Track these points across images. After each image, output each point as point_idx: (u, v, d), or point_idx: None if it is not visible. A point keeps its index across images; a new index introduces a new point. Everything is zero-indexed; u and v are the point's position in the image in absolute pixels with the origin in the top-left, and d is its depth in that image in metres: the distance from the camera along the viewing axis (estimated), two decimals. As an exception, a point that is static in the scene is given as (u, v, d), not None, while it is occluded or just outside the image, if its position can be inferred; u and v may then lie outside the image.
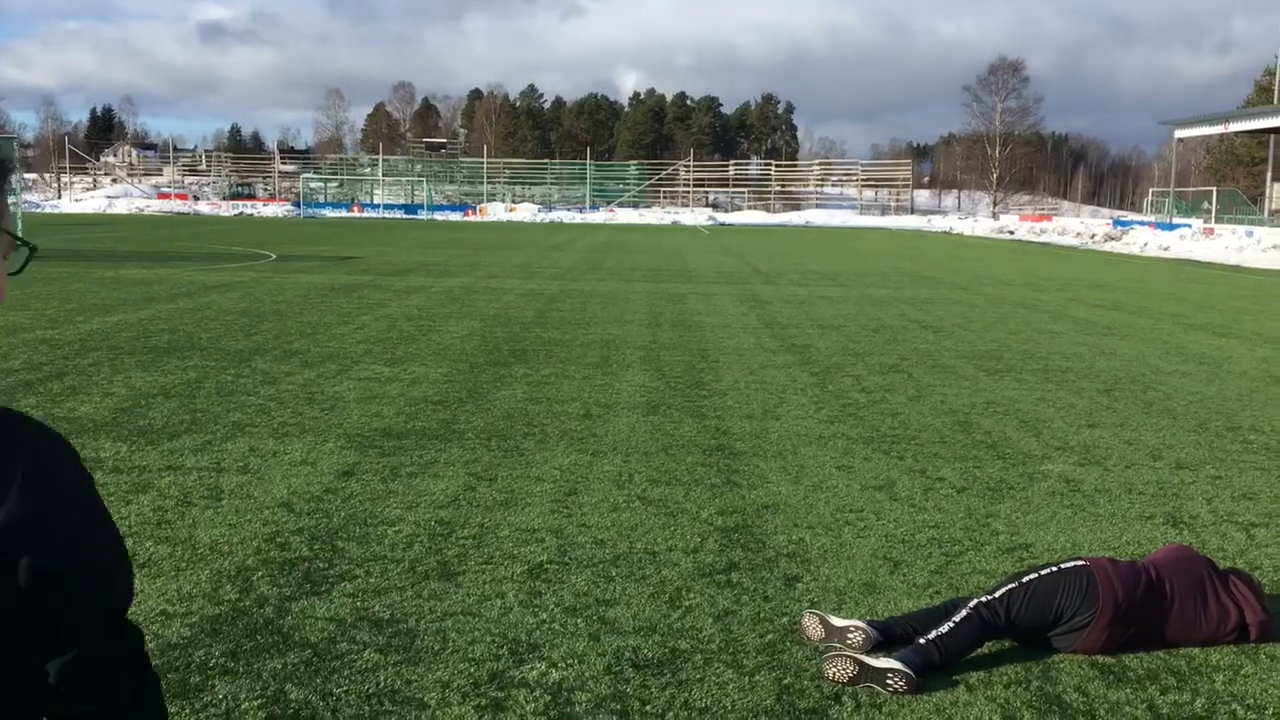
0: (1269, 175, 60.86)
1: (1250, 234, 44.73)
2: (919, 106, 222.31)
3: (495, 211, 75.49)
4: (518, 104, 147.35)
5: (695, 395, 9.49)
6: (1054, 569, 4.31)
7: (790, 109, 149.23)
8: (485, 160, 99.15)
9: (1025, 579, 4.31)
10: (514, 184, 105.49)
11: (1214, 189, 64.74)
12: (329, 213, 73.08)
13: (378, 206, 78.17)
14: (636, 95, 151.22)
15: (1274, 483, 6.91)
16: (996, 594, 4.28)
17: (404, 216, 73.83)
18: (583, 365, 11.03)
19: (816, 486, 6.57)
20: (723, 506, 6.11)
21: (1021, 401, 9.55)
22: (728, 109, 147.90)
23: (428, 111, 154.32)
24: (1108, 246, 49.70)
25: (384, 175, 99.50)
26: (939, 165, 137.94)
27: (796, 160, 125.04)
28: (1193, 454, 7.68)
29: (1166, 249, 45.49)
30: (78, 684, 1.38)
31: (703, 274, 25.25)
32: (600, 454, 7.26)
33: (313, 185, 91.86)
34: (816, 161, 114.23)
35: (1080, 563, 4.33)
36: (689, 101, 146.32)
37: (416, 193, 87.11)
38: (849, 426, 8.33)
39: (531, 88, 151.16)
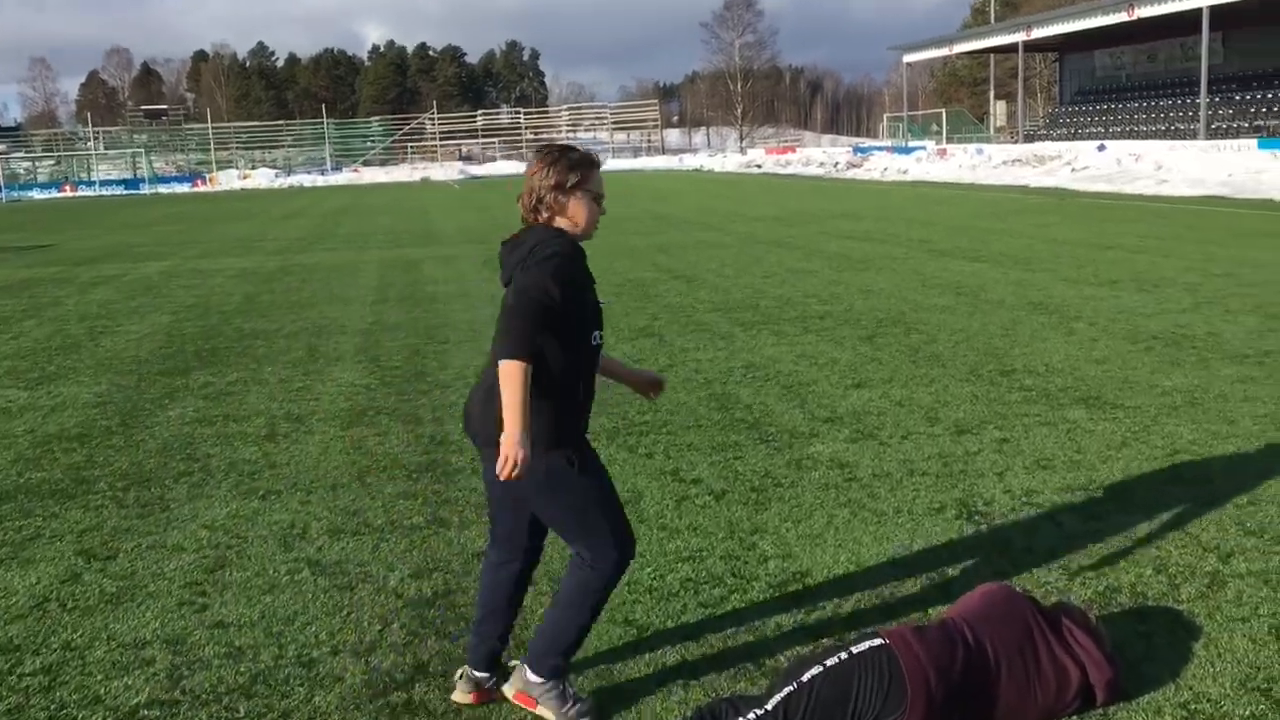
0: (991, 94, 63.91)
1: (980, 151, 46.57)
2: (662, 46, 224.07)
3: (227, 180, 70.20)
4: (248, 64, 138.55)
5: (413, 392, 7.96)
6: (842, 655, 3.12)
7: (536, 55, 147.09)
8: (211, 125, 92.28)
9: (806, 676, 3.10)
10: (250, 149, 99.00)
11: (943, 110, 67.56)
12: (37, 194, 65.97)
13: (93, 184, 71.19)
14: (376, 49, 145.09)
15: (1064, 442, 6.07)
16: (769, 704, 3.06)
17: (123, 193, 67.56)
18: (283, 363, 9.27)
19: (545, 513, 5.22)
20: (422, 563, 4.67)
21: (782, 361, 8.52)
22: (472, 58, 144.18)
23: (148, 77, 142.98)
24: (850, 174, 50.80)
25: (106, 149, 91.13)
26: (687, 104, 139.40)
27: (546, 107, 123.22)
28: (970, 411, 6.80)
29: (905, 172, 46.81)
30: None
31: (447, 235, 23.49)
32: (274, 496, 5.66)
33: (25, 166, 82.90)
34: (565, 107, 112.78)
35: (876, 642, 3.15)
36: (431, 53, 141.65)
37: (140, 166, 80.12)
38: (592, 417, 7.01)
39: (261, 45, 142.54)
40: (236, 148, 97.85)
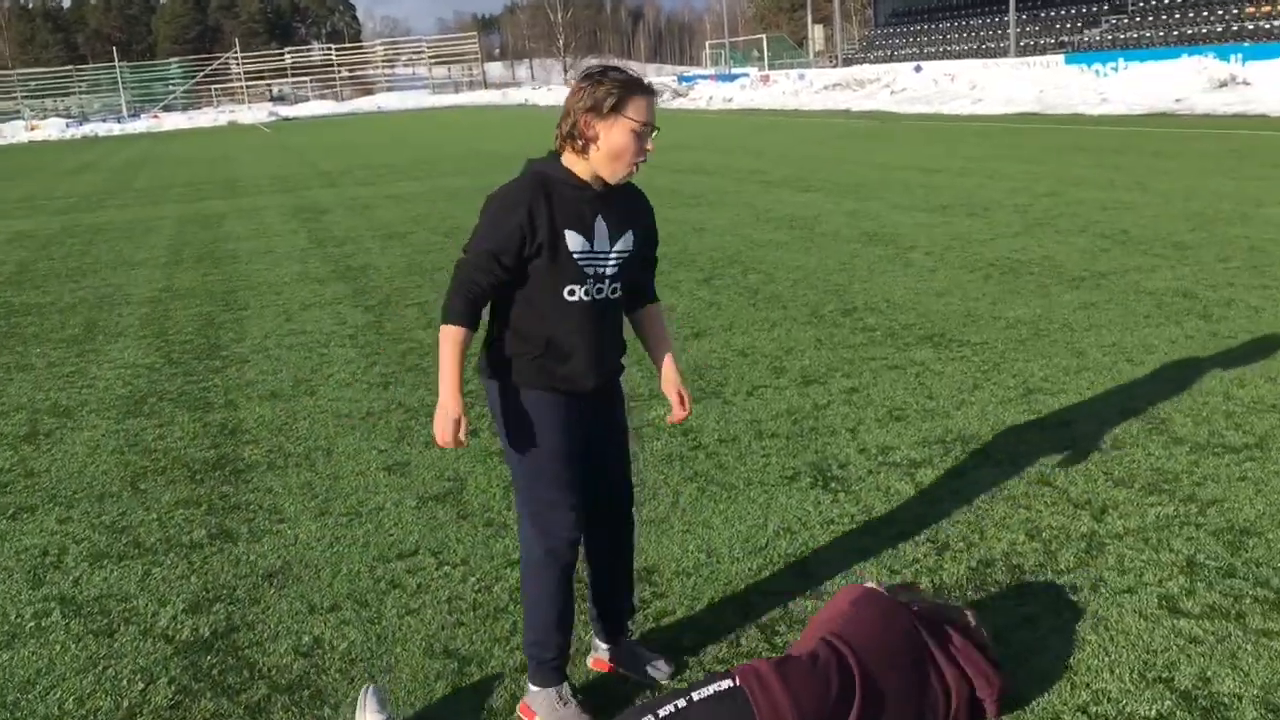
0: (809, 18, 64.34)
1: (802, 77, 46.79)
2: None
3: (13, 132, 64.78)
4: (31, 5, 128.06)
5: (203, 371, 7.07)
6: (680, 704, 2.57)
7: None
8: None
9: None
10: (38, 97, 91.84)
11: (763, 36, 67.74)
12: None
13: None
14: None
15: (914, 387, 5.71)
16: None
17: (-107, 149, 61.50)
18: (53, 343, 8.18)
19: (353, 515, 4.54)
20: (200, 591, 3.93)
21: (615, 311, 7.95)
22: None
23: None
24: (676, 104, 50.38)
25: None
26: (508, 36, 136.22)
27: (360, 42, 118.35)
28: (816, 358, 6.39)
29: (730, 100, 46.69)
30: None
31: (253, 184, 21.95)
32: (25, 514, 4.79)
33: None
34: (380, 42, 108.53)
35: (726, 684, 2.61)
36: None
37: (-91, 119, 73.08)
38: (408, 389, 6.33)
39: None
40: (23, 97, 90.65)
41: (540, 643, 2.98)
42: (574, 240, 2.73)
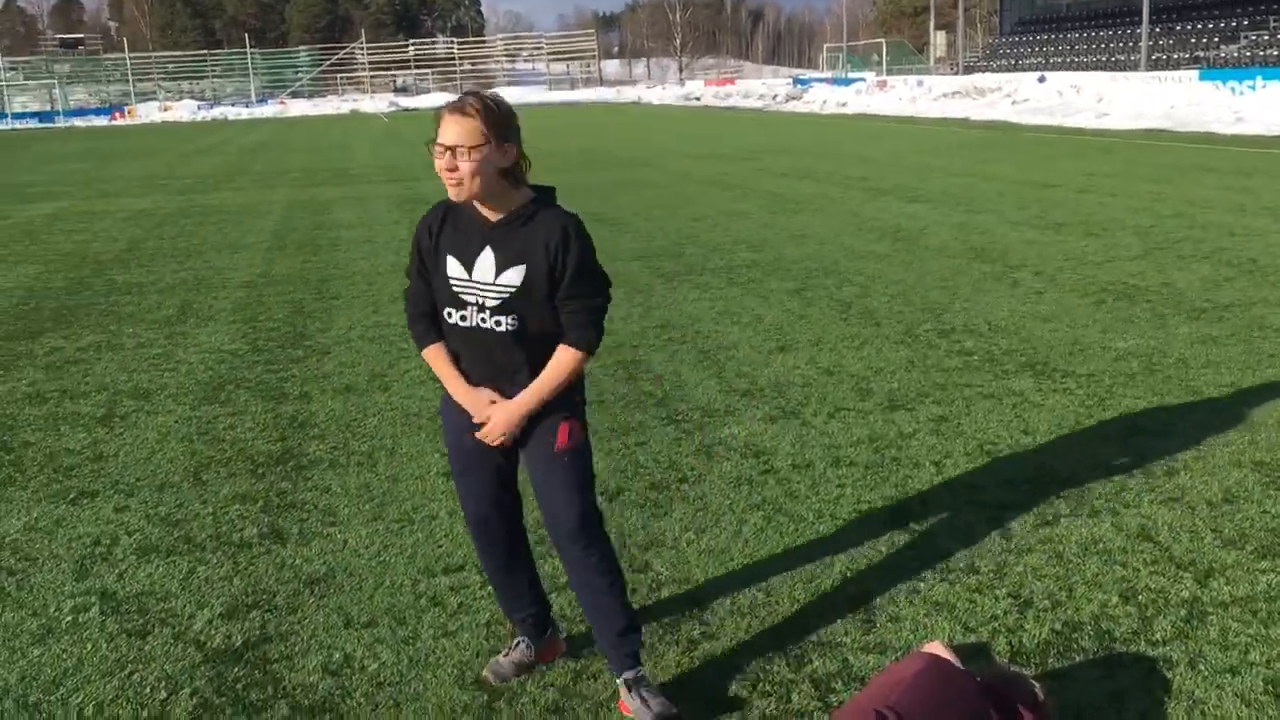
0: (931, 24, 62.98)
1: (920, 83, 45.76)
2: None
3: (147, 112, 67.28)
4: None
5: (284, 360, 7.03)
6: None
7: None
8: (129, 55, 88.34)
9: None
10: (175, 79, 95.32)
11: (882, 41, 66.56)
12: (-57, 128, 62.82)
13: (5, 116, 67.94)
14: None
15: (1010, 420, 5.33)
16: None
17: (38, 126, 64.60)
18: (147, 324, 8.26)
19: (405, 522, 4.38)
20: (239, 597, 3.80)
21: (702, 320, 7.70)
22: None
23: (69, 5, 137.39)
24: (789, 106, 49.78)
25: (24, 79, 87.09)
26: (626, 34, 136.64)
27: (483, 37, 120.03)
28: (906, 381, 6.03)
29: (844, 105, 45.91)
30: None
31: (365, 172, 22.25)
32: (86, 499, 4.75)
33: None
34: (501, 37, 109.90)
35: None
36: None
37: (56, 98, 76.62)
38: (479, 391, 6.15)
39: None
40: (160, 79, 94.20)
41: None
42: (453, 266, 2.82)
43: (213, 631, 3.56)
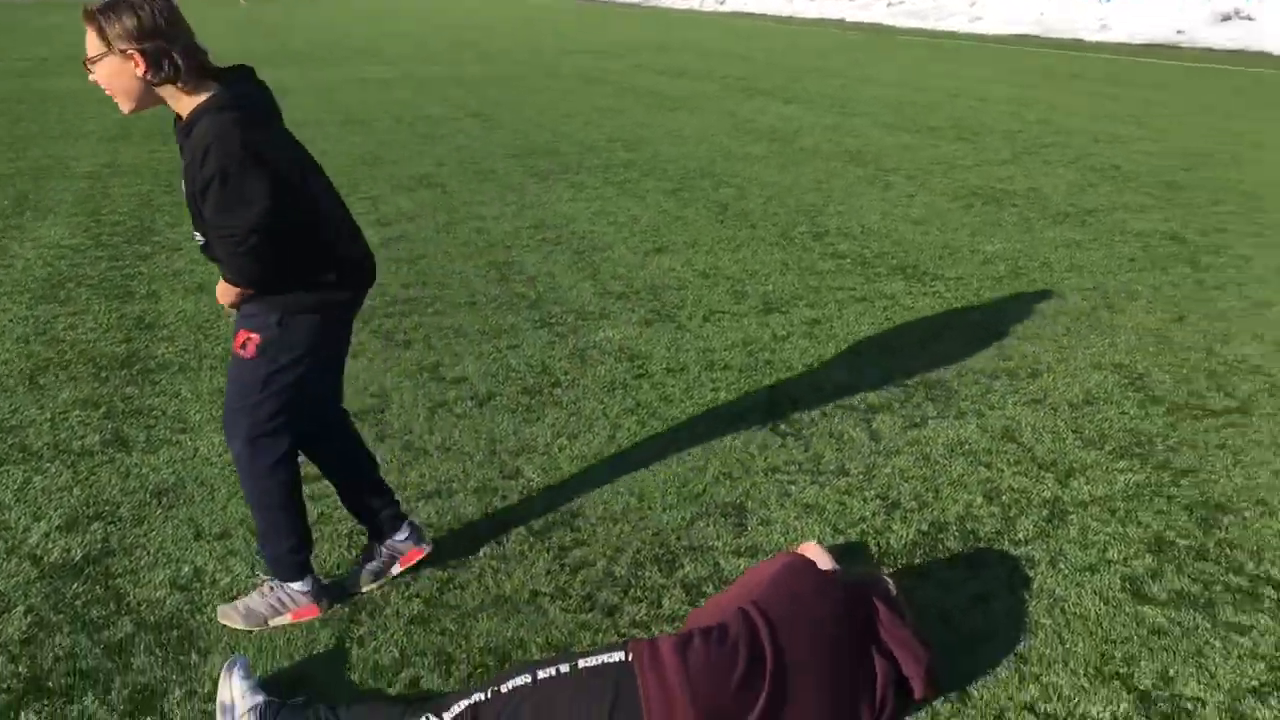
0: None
1: (799, -16, 45.37)
2: None
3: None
4: None
5: (131, 256, 6.61)
6: (563, 668, 2.29)
7: None
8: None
9: (508, 685, 2.28)
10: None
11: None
12: None
13: None
14: None
15: (881, 323, 5.36)
16: (449, 712, 2.25)
17: None
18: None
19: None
20: (80, 506, 3.57)
21: (578, 220, 7.53)
22: None
23: None
24: (667, 3, 48.93)
25: None
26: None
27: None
28: (781, 284, 6.01)
29: (722, 3, 45.34)
30: None
31: (219, 60, 20.98)
32: None
33: None
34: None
35: (616, 656, 2.31)
36: None
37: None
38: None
39: None
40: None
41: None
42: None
43: (50, 545, 3.35)
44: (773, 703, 2.32)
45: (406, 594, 3.09)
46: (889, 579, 2.75)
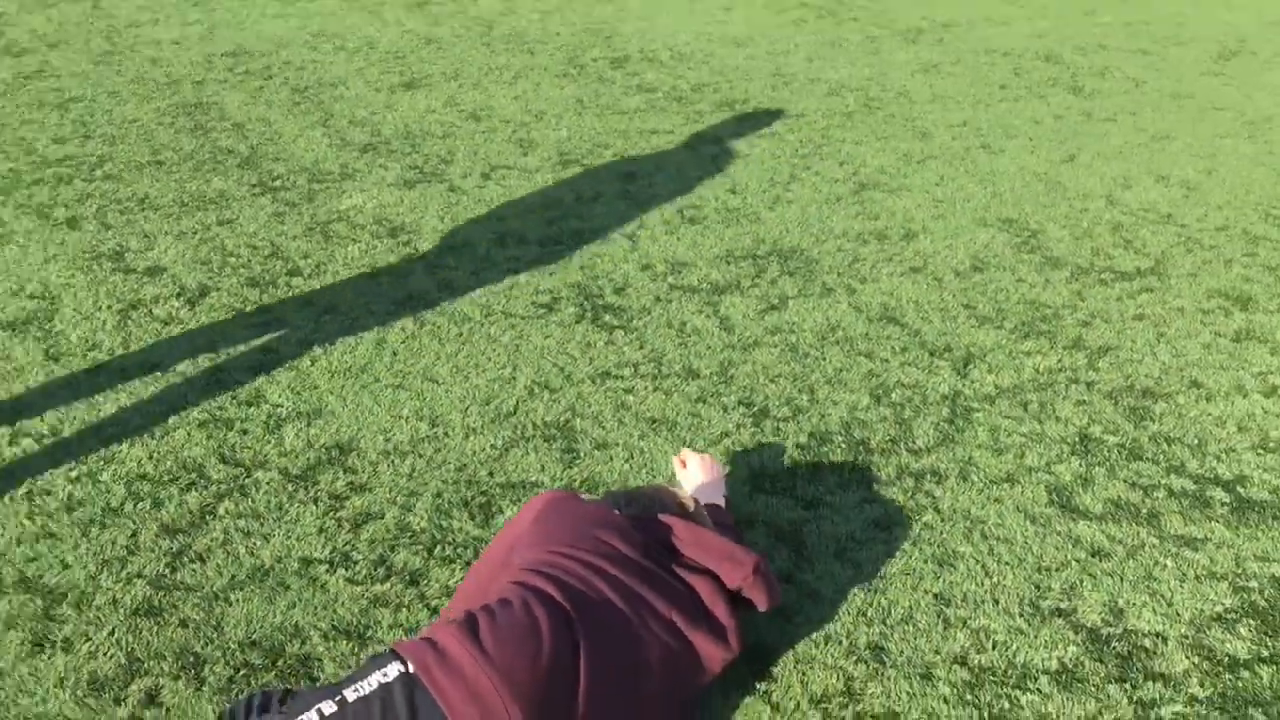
0: None
1: None
2: None
3: None
4: None
5: None
6: (339, 701, 2.13)
7: None
8: None
9: None
10: None
11: None
12: None
13: None
14: None
15: (713, 175, 5.30)
16: None
17: None
18: None
19: (-126, 353, 3.72)
20: None
21: (291, 43, 7.08)
22: None
23: None
24: None
25: None
26: None
27: None
28: (577, 128, 5.86)
29: None
30: None
31: None
32: None
33: None
34: None
35: (393, 670, 2.17)
36: None
37: None
38: (-31, 151, 5.35)
39: None
40: None
41: None
42: None
43: None
44: (593, 660, 2.26)
45: (122, 574, 2.83)
46: (677, 490, 2.79)
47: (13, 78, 6.32)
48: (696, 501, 2.78)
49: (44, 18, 7.51)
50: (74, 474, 3.19)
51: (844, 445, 3.40)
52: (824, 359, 3.84)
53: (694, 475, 3.02)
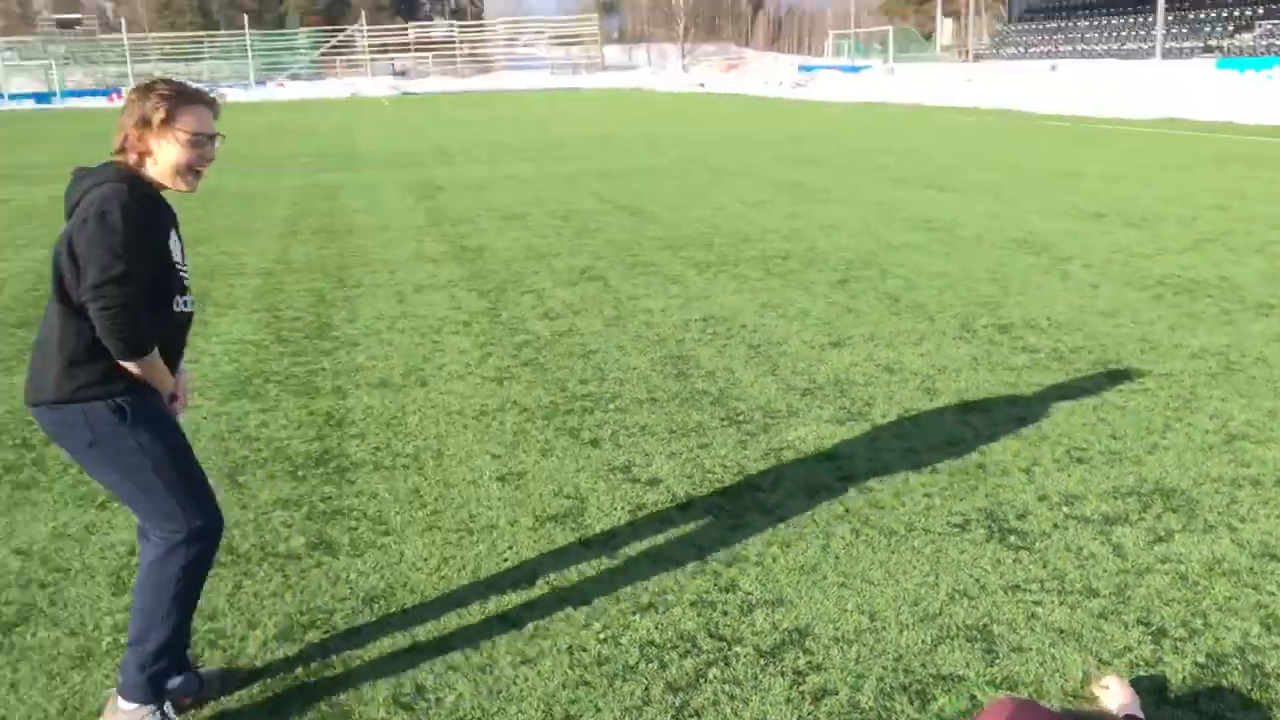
0: (938, 11, 62.54)
1: (929, 71, 45.36)
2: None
3: (146, 95, 66.43)
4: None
5: (313, 352, 6.71)
6: None
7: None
8: (127, 36, 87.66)
9: None
10: (172, 61, 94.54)
11: (889, 28, 66.07)
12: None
13: (1, 97, 67.35)
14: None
15: (1094, 423, 5.02)
16: None
17: (35, 107, 64.02)
18: (164, 313, 7.91)
19: (463, 531, 4.07)
20: (295, 614, 3.49)
21: (744, 312, 7.39)
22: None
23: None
24: (796, 94, 49.36)
25: (22, 60, 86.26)
26: (628, 19, 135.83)
27: (482, 20, 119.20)
28: (973, 380, 5.73)
29: (853, 92, 45.50)
30: None
31: (371, 157, 21.87)
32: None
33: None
34: (500, 21, 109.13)
35: None
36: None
37: (53, 79, 75.94)
38: (524, 387, 5.85)
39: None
40: (157, 60, 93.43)
41: (161, 657, 2.85)
42: (175, 250, 2.78)
43: (269, 655, 3.26)
44: None
45: (657, 684, 2.88)
46: (1107, 711, 2.50)
47: (550, 335, 6.90)
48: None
49: (570, 292, 8.21)
50: (602, 636, 3.31)
51: (1239, 668, 3.04)
52: (1212, 588, 3.48)
53: (1117, 695, 2.77)
